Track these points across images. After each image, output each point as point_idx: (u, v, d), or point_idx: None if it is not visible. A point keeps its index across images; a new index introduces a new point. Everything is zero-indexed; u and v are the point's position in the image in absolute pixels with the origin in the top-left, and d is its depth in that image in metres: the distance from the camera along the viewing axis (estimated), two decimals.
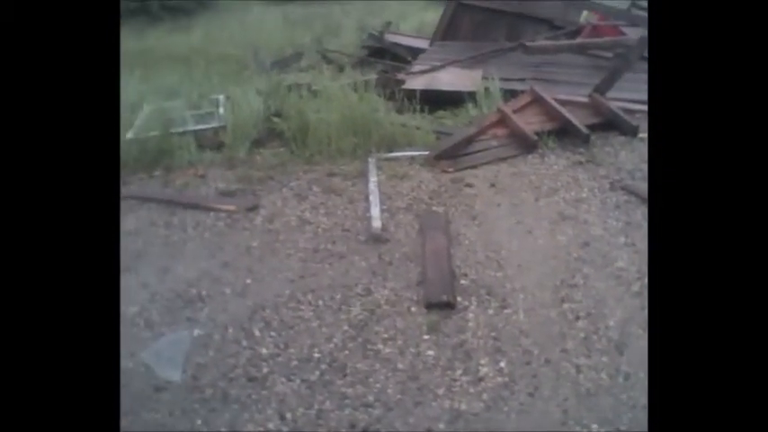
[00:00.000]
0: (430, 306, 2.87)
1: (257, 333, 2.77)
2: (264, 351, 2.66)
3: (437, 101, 5.86)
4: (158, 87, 6.58)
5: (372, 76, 6.95)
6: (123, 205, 4.11)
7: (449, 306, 2.86)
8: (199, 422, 2.31)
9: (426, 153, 4.67)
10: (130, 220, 3.89)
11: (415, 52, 8.51)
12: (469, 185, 4.12)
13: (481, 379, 2.48)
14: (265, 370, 2.55)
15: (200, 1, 12.89)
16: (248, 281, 3.17)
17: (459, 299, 2.93)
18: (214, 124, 5.30)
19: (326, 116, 5.04)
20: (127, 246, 3.58)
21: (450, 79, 6.29)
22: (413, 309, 2.89)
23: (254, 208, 3.96)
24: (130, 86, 6.42)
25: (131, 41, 9.77)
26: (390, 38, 9.52)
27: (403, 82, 6.48)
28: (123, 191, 4.29)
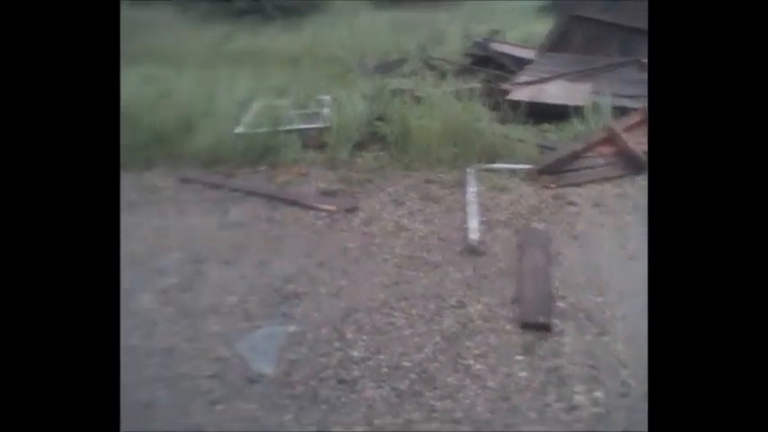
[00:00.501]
0: (525, 326, 2.79)
1: (349, 335, 2.79)
2: (356, 354, 2.67)
3: (542, 113, 5.72)
4: (268, 85, 6.81)
5: (475, 85, 6.89)
6: (229, 197, 4.29)
7: (545, 328, 2.77)
8: (288, 417, 2.35)
9: (528, 167, 4.57)
10: (235, 213, 4.04)
11: (521, 63, 8.33)
12: (572, 203, 3.98)
13: (575, 407, 2.38)
14: (356, 373, 2.56)
15: (312, 3, 13.24)
16: (343, 282, 3.21)
17: (555, 321, 2.83)
18: (319, 124, 5.42)
19: (428, 123, 5.04)
20: (230, 237, 3.73)
21: (557, 92, 6.11)
22: (507, 327, 2.81)
23: (352, 209, 4.01)
24: (242, 83, 6.69)
25: (245, 40, 10.20)
26: (496, 47, 9.36)
27: (507, 92, 6.37)
28: (230, 183, 4.47)
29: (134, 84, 6.39)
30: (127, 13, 12.52)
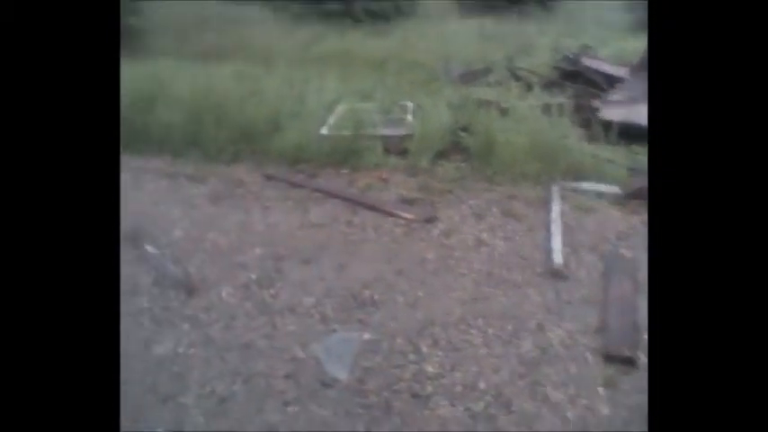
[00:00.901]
0: (608, 358, 2.68)
1: (425, 349, 2.76)
2: (430, 369, 2.64)
3: (634, 135, 5.50)
4: (353, 88, 6.87)
5: (562, 100, 6.71)
6: (311, 197, 4.34)
7: (630, 362, 2.64)
8: (360, 426, 2.34)
9: (617, 189, 4.39)
10: (316, 213, 4.08)
11: (612, 80, 8.06)
12: None
13: None
14: (429, 389, 2.52)
15: (400, 8, 13.28)
16: (420, 293, 3.18)
17: (641, 355, 2.70)
18: (402, 131, 5.41)
19: (514, 137, 4.94)
20: (310, 237, 3.77)
21: None
22: (588, 357, 2.71)
23: (431, 220, 3.97)
24: (328, 85, 6.78)
25: (333, 42, 10.33)
26: (586, 62, 9.09)
27: (598, 110, 6.17)
28: (312, 183, 4.53)
29: (225, 80, 6.59)
30: (220, 10, 12.97)
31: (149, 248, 3.57)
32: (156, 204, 4.25)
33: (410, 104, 6.14)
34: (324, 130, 5.32)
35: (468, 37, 10.90)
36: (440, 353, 2.74)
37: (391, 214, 4.06)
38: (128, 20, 9.88)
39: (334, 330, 2.90)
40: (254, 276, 3.35)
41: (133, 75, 6.09)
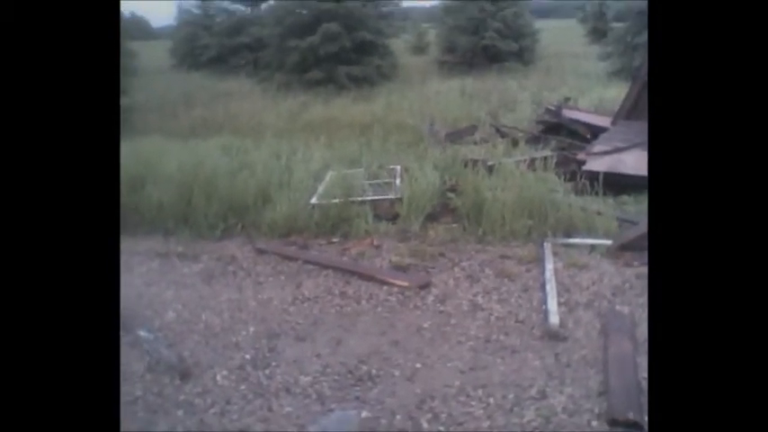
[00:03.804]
0: (613, 423, 2.61)
1: (425, 425, 2.69)
2: None
3: (621, 185, 5.57)
4: (341, 155, 6.97)
5: (548, 153, 6.80)
6: (304, 269, 4.32)
7: (636, 426, 2.58)
8: None
9: (608, 242, 4.40)
10: (309, 286, 4.06)
11: (595, 130, 8.22)
12: None
13: None
14: None
15: (382, 72, 13.65)
16: (418, 365, 3.12)
17: (647, 418, 2.63)
18: (391, 195, 5.45)
19: (501, 195, 4.97)
20: (304, 311, 3.73)
21: (635, 162, 5.95)
22: (593, 423, 2.64)
23: (425, 286, 3.95)
24: (316, 153, 6.87)
25: (319, 109, 10.56)
26: (568, 113, 9.30)
27: (583, 162, 6.26)
28: (304, 255, 4.51)
29: (214, 154, 6.67)
30: (205, 84, 13.28)
31: (142, 333, 3.51)
32: (149, 286, 4.21)
33: (398, 168, 6.22)
34: (314, 200, 5.35)
35: (450, 97, 11.16)
36: (441, 428, 2.67)
37: (385, 282, 4.04)
38: None
39: (332, 410, 2.83)
40: (248, 357, 3.29)
41: (121, 155, 6.16)
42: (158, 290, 4.14)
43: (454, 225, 5.02)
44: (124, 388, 3.06)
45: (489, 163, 6.04)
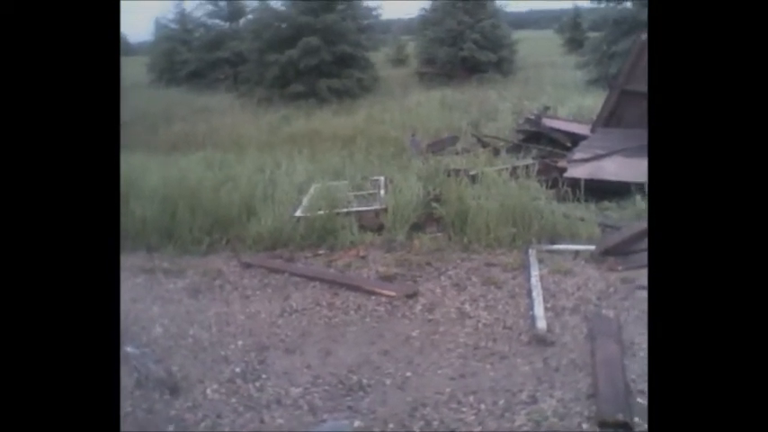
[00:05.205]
0: (603, 425, 2.63)
1: None
2: None
3: (602, 191, 5.65)
4: (324, 167, 6.99)
5: (529, 161, 6.89)
6: (291, 281, 4.31)
7: (625, 427, 2.61)
8: None
9: (592, 248, 4.47)
10: (296, 298, 4.06)
11: (574, 138, 8.35)
12: (643, 287, 3.84)
13: None
14: None
15: (363, 84, 13.73)
16: (408, 373, 3.13)
17: (636, 419, 2.67)
18: (376, 206, 5.48)
19: (485, 203, 5.02)
20: (293, 324, 3.72)
21: (615, 169, 6.05)
22: (584, 425, 2.66)
23: (413, 295, 3.97)
24: (299, 166, 6.89)
25: (301, 122, 10.58)
26: (548, 122, 9.43)
27: (564, 169, 6.34)
28: (290, 268, 4.51)
29: (197, 169, 6.66)
30: (186, 100, 13.26)
31: (130, 349, 3.48)
32: (135, 302, 4.18)
33: (381, 179, 6.25)
34: (298, 212, 5.36)
35: (431, 108, 11.26)
36: None
37: (372, 292, 4.05)
38: None
39: (324, 420, 2.83)
40: (238, 370, 3.28)
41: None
42: (144, 306, 4.11)
43: (439, 234, 5.05)
44: None
45: (472, 172, 6.11)
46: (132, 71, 21.02)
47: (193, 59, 20.95)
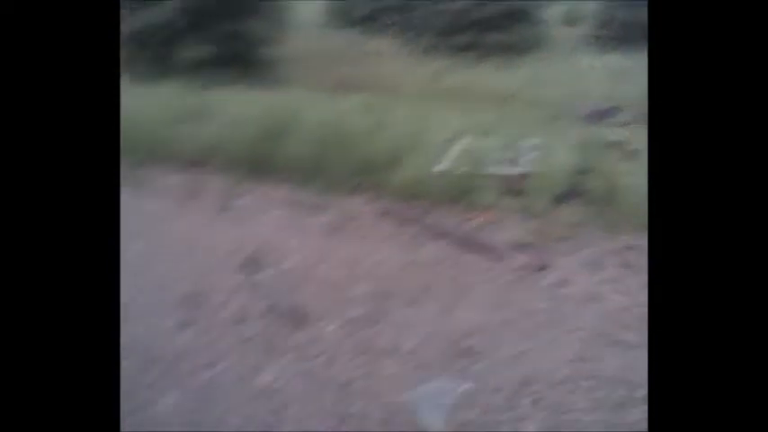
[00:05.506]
0: None
1: (525, 408, 2.64)
2: (529, 430, 2.52)
3: None
4: (475, 123, 6.83)
5: None
6: (423, 234, 4.34)
7: None
8: None
9: None
10: (425, 253, 4.08)
11: None
12: None
13: None
14: None
15: (533, 41, 13.14)
16: (525, 347, 3.06)
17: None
18: (520, 170, 5.29)
19: (639, 182, 4.66)
20: (418, 277, 3.76)
21: None
22: None
23: (544, 267, 3.84)
24: (451, 119, 6.79)
25: (461, 75, 10.38)
26: None
27: None
28: (425, 221, 4.54)
29: (353, 111, 6.80)
30: (352, 42, 13.49)
31: (263, 277, 3.74)
32: (276, 232, 4.45)
33: (532, 142, 6.00)
34: (441, 166, 5.32)
35: (599, 73, 10.54)
36: (541, 414, 2.61)
37: (503, 258, 3.97)
38: (259, 50, 10.47)
39: (432, 378, 2.86)
40: (358, 314, 3.39)
41: (264, 104, 6.48)
42: (283, 237, 4.35)
43: (583, 209, 4.79)
44: (239, 328, 3.28)
45: (630, 147, 5.67)
46: (309, 12, 21.79)
47: (366, 3, 21.21)
